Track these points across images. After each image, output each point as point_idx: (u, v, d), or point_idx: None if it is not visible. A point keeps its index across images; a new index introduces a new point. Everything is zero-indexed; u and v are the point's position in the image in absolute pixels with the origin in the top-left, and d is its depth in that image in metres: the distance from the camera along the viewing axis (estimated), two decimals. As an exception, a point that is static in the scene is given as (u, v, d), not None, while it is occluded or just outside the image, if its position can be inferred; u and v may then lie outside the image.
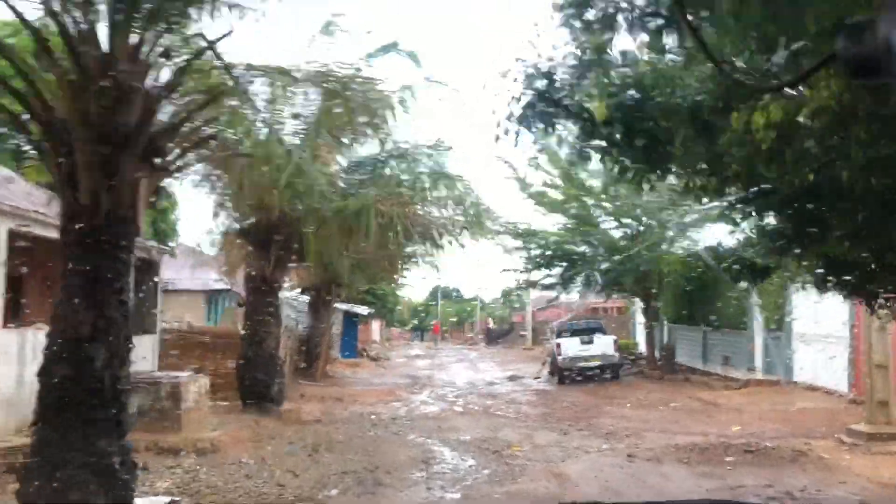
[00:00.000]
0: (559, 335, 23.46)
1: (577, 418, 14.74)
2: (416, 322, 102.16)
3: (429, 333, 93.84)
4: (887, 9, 0.72)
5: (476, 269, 68.63)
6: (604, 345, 21.92)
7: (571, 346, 21.92)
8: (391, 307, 50.23)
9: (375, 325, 66.68)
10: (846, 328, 15.19)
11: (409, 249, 22.89)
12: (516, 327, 58.24)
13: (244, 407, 13.75)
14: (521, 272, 25.08)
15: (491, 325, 66.91)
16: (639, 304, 32.36)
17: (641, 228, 22.46)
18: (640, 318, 31.46)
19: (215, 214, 16.23)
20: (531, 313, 47.38)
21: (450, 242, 14.40)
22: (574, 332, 23.30)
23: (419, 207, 13.51)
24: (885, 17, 0.73)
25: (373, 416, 15.18)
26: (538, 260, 24.41)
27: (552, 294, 25.66)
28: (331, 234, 12.69)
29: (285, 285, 26.64)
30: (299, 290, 24.17)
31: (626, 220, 22.81)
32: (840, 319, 15.34)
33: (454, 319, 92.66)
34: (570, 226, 23.57)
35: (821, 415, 13.41)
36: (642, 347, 27.92)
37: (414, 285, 59.51)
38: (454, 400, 19.07)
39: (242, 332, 14.31)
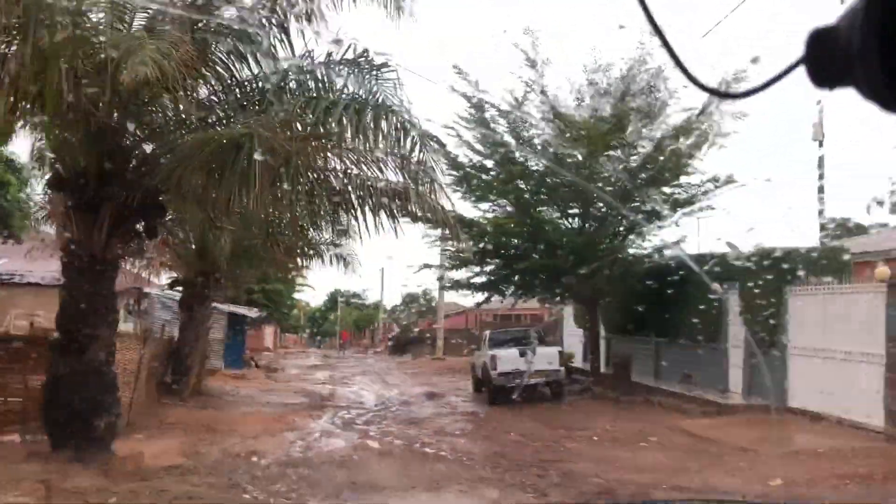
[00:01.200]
0: (493, 345, 19.50)
1: (542, 462, 10.70)
2: (313, 328, 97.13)
3: (327, 341, 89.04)
4: (851, 16, 0.70)
5: (384, 265, 64.11)
6: (547, 357, 18.12)
7: (508, 359, 17.98)
8: (285, 311, 45.05)
9: (268, 331, 61.35)
10: (877, 341, 11.87)
11: (313, 233, 18.58)
12: (424, 335, 54.18)
13: (53, 450, 8.98)
14: (445, 269, 20.95)
15: (396, 331, 62.56)
16: (568, 311, 29.04)
17: (590, 222, 18.86)
18: (569, 326, 28.01)
19: (38, 161, 11.47)
20: (442, 321, 43.33)
21: (377, 219, 10.05)
22: (510, 343, 19.42)
23: (333, 152, 9.11)
24: (849, 23, 0.71)
25: (254, 460, 10.64)
26: (466, 255, 20.43)
27: (474, 297, 21.59)
28: (194, 183, 8.15)
29: (159, 278, 21.71)
30: (168, 284, 19.17)
31: (573, 210, 19.15)
32: (868, 330, 12.04)
33: (353, 327, 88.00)
34: (506, 215, 19.71)
35: (873, 461, 9.91)
36: (578, 360, 24.40)
37: (314, 287, 54.26)
38: (365, 428, 14.72)
39: (55, 335, 9.43)
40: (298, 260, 19.19)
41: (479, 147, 19.41)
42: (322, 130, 8.28)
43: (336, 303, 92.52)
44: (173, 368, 18.19)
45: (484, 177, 19.48)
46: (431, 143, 9.09)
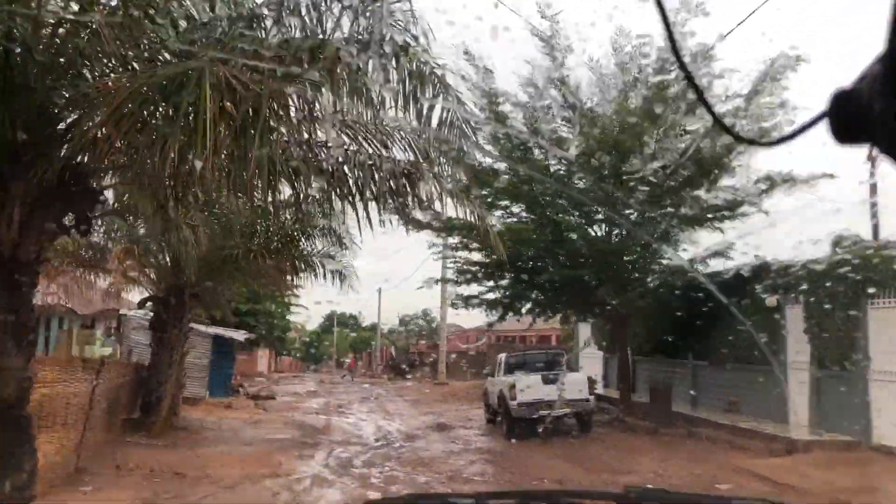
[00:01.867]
0: (510, 370, 17.10)
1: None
2: (309, 351, 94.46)
3: (323, 365, 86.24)
4: (871, 80, 0.76)
5: (381, 285, 61.64)
6: (575, 385, 15.72)
7: (530, 387, 15.58)
8: (280, 334, 42.57)
9: (262, 355, 58.82)
10: None
11: (304, 244, 16.31)
12: (423, 358, 51.65)
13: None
14: (455, 283, 18.58)
15: (393, 354, 59.96)
16: (583, 331, 26.66)
17: (619, 228, 16.54)
18: (585, 348, 25.61)
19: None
20: (444, 342, 40.83)
21: (382, 207, 7.76)
22: (530, 367, 17.04)
23: (320, 102, 6.75)
24: (869, 87, 0.76)
25: (224, 524, 8.25)
26: (478, 269, 18.11)
27: (487, 315, 19.20)
28: (123, 145, 5.82)
29: (127, 295, 19.29)
30: (138, 302, 16.77)
31: (598, 216, 16.83)
32: None
33: (350, 352, 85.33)
34: (522, 221, 17.38)
35: None
36: (599, 387, 21.97)
37: (308, 307, 51.62)
38: (366, 472, 12.29)
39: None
40: (288, 275, 16.80)
41: (488, 147, 17.18)
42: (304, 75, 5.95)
43: (332, 325, 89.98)
44: (143, 400, 15.78)
45: (496, 180, 17.19)
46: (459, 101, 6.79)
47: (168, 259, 15.36)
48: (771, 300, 14.69)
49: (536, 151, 16.47)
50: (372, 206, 7.81)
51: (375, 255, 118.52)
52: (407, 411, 24.15)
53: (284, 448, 14.80)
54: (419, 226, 17.18)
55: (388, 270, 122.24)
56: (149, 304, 16.47)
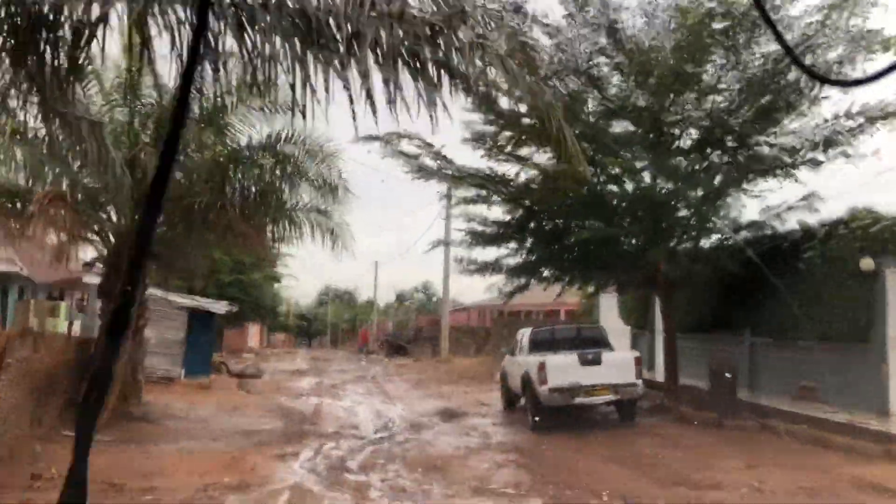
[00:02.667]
0: (537, 348, 14.25)
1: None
2: (303, 327, 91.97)
3: (317, 340, 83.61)
4: None
5: (377, 260, 58.77)
6: (619, 366, 12.89)
7: (564, 369, 12.73)
8: (269, 308, 39.67)
9: (253, 331, 56.04)
10: None
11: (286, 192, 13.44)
12: (422, 334, 48.87)
13: None
14: (468, 243, 15.59)
15: (391, 330, 57.18)
16: (607, 304, 23.78)
17: (672, 178, 13.56)
18: (614, 324, 22.72)
19: None
20: (447, 316, 37.96)
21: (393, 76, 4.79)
22: (562, 345, 14.19)
23: None
24: None
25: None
26: (498, 228, 15.15)
27: (509, 284, 16.25)
28: None
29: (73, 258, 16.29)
30: (83, 265, 13.79)
31: (645, 163, 13.83)
32: None
33: (346, 326, 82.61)
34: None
35: None
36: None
37: (297, 278, 48.30)
38: (363, 480, 9.44)
39: None
40: (268, 234, 13.83)
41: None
42: None
43: (327, 299, 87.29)
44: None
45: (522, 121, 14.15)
46: None
47: (114, 209, 12.39)
48: (866, 263, 11.79)
49: (571, 84, 13.43)
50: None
51: (373, 228, 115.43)
52: (409, 393, 21.33)
53: (262, 444, 11.95)
54: (429, 175, 14.24)
55: (385, 245, 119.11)
56: (98, 266, 13.50)
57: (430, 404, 18.09)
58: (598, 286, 17.03)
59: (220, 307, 23.91)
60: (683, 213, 13.63)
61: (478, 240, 15.27)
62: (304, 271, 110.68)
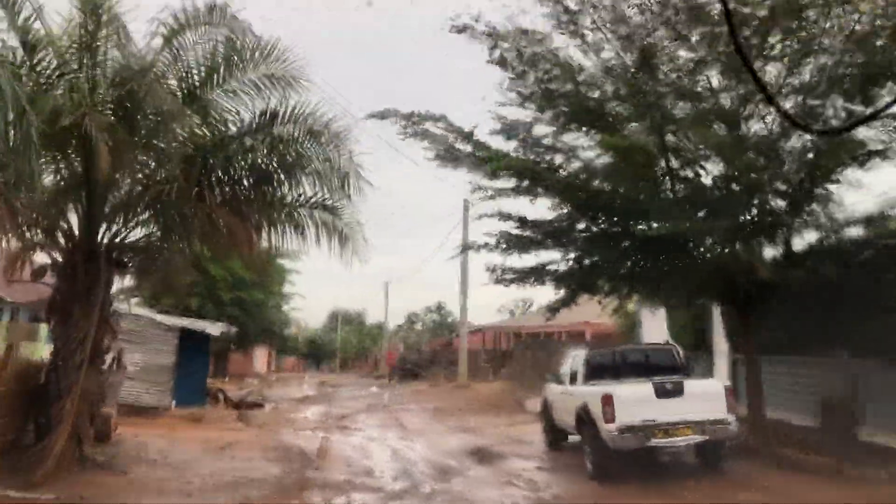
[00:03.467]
0: (594, 374, 11.55)
1: None
2: (312, 350, 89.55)
3: (327, 363, 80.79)
4: None
5: (388, 280, 56.06)
6: (706, 398, 10.14)
7: (636, 402, 9.99)
8: (274, 329, 37.00)
9: (260, 354, 53.48)
10: None
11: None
12: (437, 357, 46.08)
13: None
14: (500, 250, 12.84)
15: (401, 353, 54.28)
16: (649, 321, 20.98)
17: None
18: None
19: None
20: (465, 337, 35.16)
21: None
22: (628, 372, 11.49)
23: None
24: None
25: None
26: (537, 231, 12.48)
27: (556, 294, 13.54)
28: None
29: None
30: (32, 273, 11.12)
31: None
32: None
33: (355, 349, 79.86)
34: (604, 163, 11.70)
35: None
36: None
37: (304, 295, 44.97)
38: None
39: None
40: (263, 234, 11.19)
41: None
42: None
43: (337, 322, 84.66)
44: (35, 422, 10.27)
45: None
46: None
47: (62, 203, 9.81)
48: None
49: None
50: None
51: (383, 247, 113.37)
52: (429, 425, 18.55)
53: (251, 498, 9.25)
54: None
55: (395, 267, 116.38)
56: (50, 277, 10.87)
57: (457, 440, 15.34)
58: (665, 298, 14.24)
59: (214, 328, 21.26)
60: (776, 203, 10.92)
61: (516, 243, 12.55)
62: (313, 290, 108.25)
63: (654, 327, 20.84)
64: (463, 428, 17.43)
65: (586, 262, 12.34)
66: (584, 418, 10.84)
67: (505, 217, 12.47)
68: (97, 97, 9.17)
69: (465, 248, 15.60)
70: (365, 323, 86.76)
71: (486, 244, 12.59)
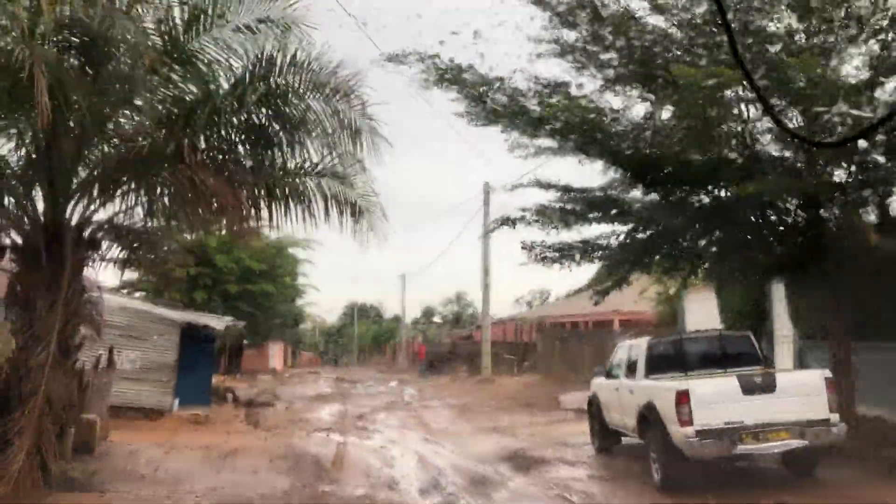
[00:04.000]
0: (655, 366, 9.74)
1: None
2: (328, 345, 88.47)
3: (343, 358, 79.29)
4: None
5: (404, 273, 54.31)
6: (803, 394, 8.29)
7: (719, 400, 8.16)
8: (285, 323, 35.30)
9: (275, 350, 51.96)
10: None
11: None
12: (456, 350, 44.36)
13: None
14: (539, 223, 10.99)
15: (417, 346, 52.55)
16: (695, 306, 19.07)
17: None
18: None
19: None
20: (488, 328, 33.35)
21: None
22: (698, 362, 9.68)
23: None
24: None
25: None
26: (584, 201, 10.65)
27: (609, 277, 11.67)
28: None
29: None
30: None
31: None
32: None
33: (371, 342, 78.29)
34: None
35: None
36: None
37: (318, 288, 42.48)
38: None
39: None
40: (260, 204, 9.44)
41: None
42: None
43: (353, 317, 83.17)
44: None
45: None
46: None
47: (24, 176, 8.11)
48: None
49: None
50: None
51: (396, 243, 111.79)
52: (456, 425, 16.78)
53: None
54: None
55: (411, 260, 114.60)
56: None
57: (490, 443, 13.58)
58: (734, 276, 12.29)
59: (220, 322, 19.58)
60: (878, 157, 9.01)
61: (558, 216, 10.70)
62: (328, 285, 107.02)
63: (701, 314, 18.91)
64: (494, 428, 15.65)
65: (642, 235, 10.47)
66: (648, 419, 9.03)
67: (545, 186, 10.63)
68: (48, 32, 7.39)
69: (489, 230, 13.76)
70: (382, 316, 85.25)
71: (523, 217, 10.75)
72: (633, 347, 10.59)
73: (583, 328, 37.64)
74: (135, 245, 10.15)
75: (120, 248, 9.79)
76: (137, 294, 24.17)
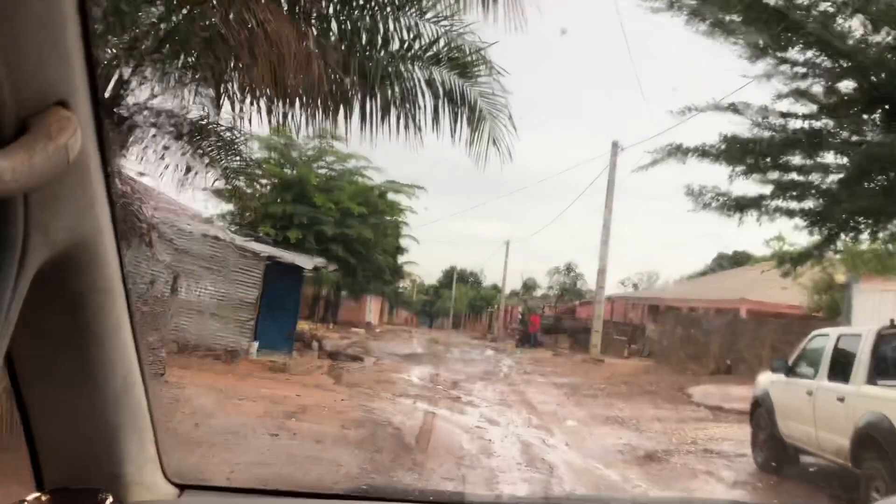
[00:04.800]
0: (883, 367, 6.75)
1: None
2: (426, 306, 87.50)
3: (439, 321, 77.97)
4: None
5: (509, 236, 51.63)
6: None
7: None
8: (384, 277, 33.42)
9: (373, 304, 50.91)
10: None
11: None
12: (563, 323, 41.51)
13: None
14: (722, 158, 8.10)
15: (521, 316, 49.89)
16: (863, 301, 15.61)
17: None
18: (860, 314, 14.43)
19: None
20: (602, 302, 30.29)
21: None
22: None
23: None
24: None
25: None
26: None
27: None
28: None
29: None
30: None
31: None
32: None
33: (468, 308, 76.38)
34: None
35: None
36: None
37: (417, 238, 39.66)
38: None
39: None
40: (349, 85, 7.04)
41: None
42: None
43: (452, 280, 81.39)
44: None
45: None
46: None
47: None
48: None
49: None
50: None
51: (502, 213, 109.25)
52: (566, 410, 14.11)
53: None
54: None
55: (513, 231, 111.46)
56: None
57: (611, 438, 10.90)
58: None
59: (307, 261, 17.61)
60: None
61: (755, 148, 7.75)
62: (430, 249, 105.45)
63: (872, 307, 15.42)
64: (615, 419, 12.91)
65: (869, 184, 7.42)
66: (876, 443, 6.11)
67: (741, 110, 7.70)
68: None
69: (649, 164, 10.76)
70: (481, 283, 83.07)
71: (702, 148, 7.89)
72: (846, 339, 7.59)
73: (703, 314, 33.99)
74: (197, 139, 7.98)
75: (174, 138, 7.62)
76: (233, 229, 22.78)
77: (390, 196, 27.73)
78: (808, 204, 8.06)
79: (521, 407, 13.81)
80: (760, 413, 9.09)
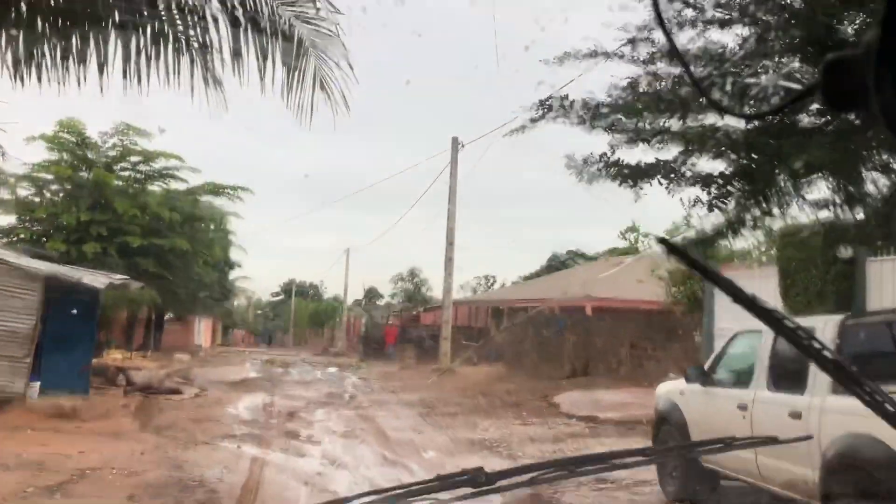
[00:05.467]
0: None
1: None
2: (263, 324, 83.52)
3: (278, 337, 74.06)
4: (867, 49, 0.74)
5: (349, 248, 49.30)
6: None
7: None
8: (219, 296, 29.80)
9: (203, 326, 46.71)
10: None
11: None
12: (408, 332, 39.70)
13: None
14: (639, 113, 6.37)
15: (364, 328, 47.63)
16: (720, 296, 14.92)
17: None
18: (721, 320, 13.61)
19: None
20: (450, 307, 28.64)
21: None
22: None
23: None
24: (865, 56, 0.74)
25: None
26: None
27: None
28: None
29: None
30: None
31: None
32: None
33: (309, 323, 73.08)
34: None
35: None
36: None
37: (245, 248, 35.86)
38: None
39: None
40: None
41: None
42: None
43: (291, 294, 77.77)
44: None
45: None
46: None
47: None
48: None
49: None
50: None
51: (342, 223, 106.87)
52: (424, 435, 12.03)
53: None
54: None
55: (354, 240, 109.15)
56: None
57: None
58: None
59: (99, 280, 14.37)
60: None
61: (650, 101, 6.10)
62: (263, 262, 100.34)
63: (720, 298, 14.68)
64: (481, 443, 11.02)
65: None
66: (862, 473, 4.50)
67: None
68: None
69: (531, 120, 8.84)
70: (321, 296, 79.92)
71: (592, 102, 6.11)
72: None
73: (548, 314, 33.36)
74: None
75: None
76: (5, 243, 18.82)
77: (209, 199, 24.38)
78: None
79: (371, 438, 11.58)
80: (667, 432, 7.45)
